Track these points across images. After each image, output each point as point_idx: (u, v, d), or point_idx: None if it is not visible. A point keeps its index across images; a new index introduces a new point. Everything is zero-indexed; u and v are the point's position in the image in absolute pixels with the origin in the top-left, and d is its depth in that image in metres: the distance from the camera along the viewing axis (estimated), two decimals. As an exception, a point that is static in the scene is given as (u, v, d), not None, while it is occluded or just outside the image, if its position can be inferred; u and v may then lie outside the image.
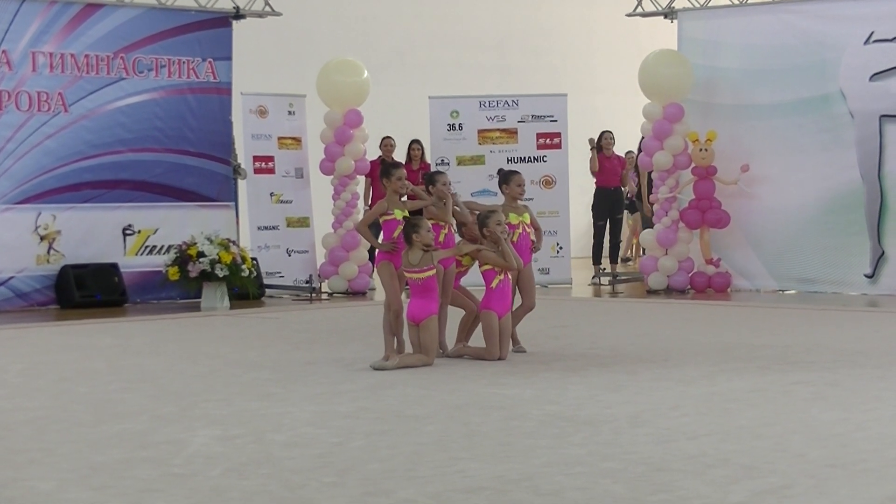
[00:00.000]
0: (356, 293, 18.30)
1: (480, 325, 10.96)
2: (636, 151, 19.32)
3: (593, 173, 19.58)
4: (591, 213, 19.87)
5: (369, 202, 18.81)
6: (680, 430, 7.52)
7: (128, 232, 17.16)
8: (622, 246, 21.87)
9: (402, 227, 10.79)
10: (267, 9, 18.60)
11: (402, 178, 11.08)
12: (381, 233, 11.38)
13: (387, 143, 19.06)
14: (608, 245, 19.88)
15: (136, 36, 17.17)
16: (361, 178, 18.73)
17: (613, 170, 19.68)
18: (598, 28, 27.48)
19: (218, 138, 17.92)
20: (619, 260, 20.38)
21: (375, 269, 11.22)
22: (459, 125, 19.30)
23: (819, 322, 13.89)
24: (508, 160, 18.99)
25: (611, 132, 19.74)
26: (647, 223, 19.67)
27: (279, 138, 18.66)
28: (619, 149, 20.10)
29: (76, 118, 16.70)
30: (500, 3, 26.80)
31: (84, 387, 9.66)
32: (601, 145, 19.58)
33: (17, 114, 16.28)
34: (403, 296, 11.09)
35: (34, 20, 16.41)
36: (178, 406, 8.69)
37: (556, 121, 19.36)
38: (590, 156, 19.42)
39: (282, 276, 18.39)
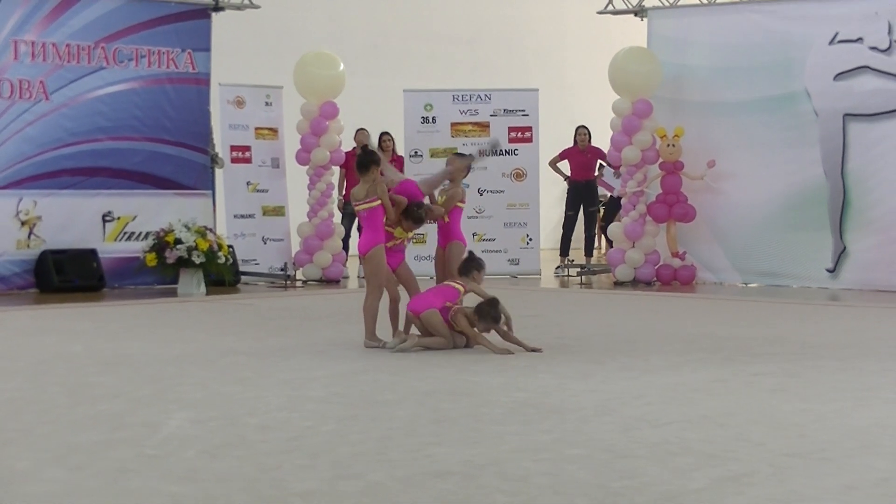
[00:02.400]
0: (330, 281, 18.45)
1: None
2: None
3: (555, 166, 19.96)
4: (564, 205, 20.14)
5: (343, 192, 18.97)
6: (644, 419, 7.60)
7: (107, 218, 17.24)
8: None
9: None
10: (245, 1, 18.65)
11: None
12: (361, 221, 11.50)
13: (361, 135, 19.16)
14: (584, 238, 20.08)
15: (116, 26, 17.25)
16: (336, 169, 18.89)
17: (587, 164, 19.85)
18: (570, 24, 27.60)
19: (196, 128, 18.00)
20: (593, 252, 20.57)
21: (370, 252, 10.84)
22: (433, 118, 19.47)
23: (781, 315, 13.98)
24: (480, 153, 19.15)
25: (586, 127, 19.91)
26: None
27: (256, 129, 18.79)
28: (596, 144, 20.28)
29: (57, 106, 16.78)
30: (474, -2, 27.01)
31: (61, 369, 9.71)
32: (576, 140, 19.79)
33: (-2, 101, 16.42)
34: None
35: (16, 9, 16.49)
36: (154, 389, 8.75)
37: (527, 115, 19.57)
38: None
39: (257, 264, 18.53)
